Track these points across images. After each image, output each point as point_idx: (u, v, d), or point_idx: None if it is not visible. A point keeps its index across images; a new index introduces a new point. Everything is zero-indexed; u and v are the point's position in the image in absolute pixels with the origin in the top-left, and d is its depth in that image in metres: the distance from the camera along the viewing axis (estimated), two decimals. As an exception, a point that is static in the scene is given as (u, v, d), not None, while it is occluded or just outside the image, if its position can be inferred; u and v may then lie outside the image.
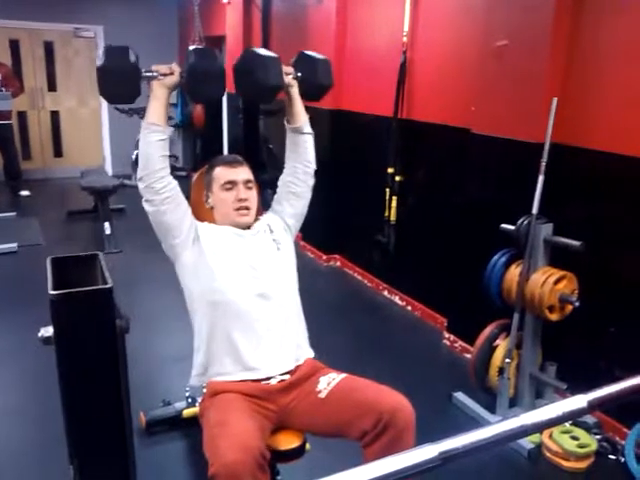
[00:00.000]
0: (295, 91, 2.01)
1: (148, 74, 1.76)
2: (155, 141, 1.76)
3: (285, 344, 1.85)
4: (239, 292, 1.82)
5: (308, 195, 2.09)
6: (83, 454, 1.62)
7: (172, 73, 1.78)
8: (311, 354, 1.94)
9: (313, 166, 2.08)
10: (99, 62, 1.68)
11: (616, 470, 2.38)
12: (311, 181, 2.09)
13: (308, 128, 2.08)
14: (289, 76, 1.98)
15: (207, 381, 1.82)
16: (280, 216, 2.06)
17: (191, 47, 1.87)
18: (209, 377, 1.82)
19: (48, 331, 1.53)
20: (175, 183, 1.81)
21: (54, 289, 1.51)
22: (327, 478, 0.61)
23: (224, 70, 1.83)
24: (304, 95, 2.05)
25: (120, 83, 1.72)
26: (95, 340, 1.57)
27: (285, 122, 2.07)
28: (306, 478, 1.98)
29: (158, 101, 1.79)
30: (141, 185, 1.77)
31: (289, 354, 1.85)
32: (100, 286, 1.60)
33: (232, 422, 1.58)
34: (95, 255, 1.79)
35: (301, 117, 2.05)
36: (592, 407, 0.81)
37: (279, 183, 2.11)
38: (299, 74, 2.02)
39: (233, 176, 1.93)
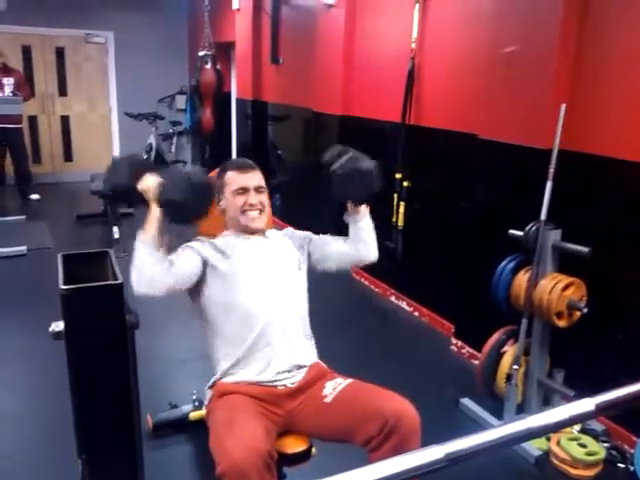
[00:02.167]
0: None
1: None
2: (151, 260, 1.72)
3: (294, 350, 1.86)
4: (255, 300, 1.83)
5: (347, 268, 2.13)
6: (92, 448, 1.62)
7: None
8: (317, 360, 1.95)
9: (371, 260, 2.07)
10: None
11: (624, 479, 2.36)
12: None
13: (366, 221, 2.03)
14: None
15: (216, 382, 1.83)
16: (311, 249, 2.05)
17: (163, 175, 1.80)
18: (219, 379, 1.84)
19: (59, 326, 1.54)
20: (177, 272, 1.77)
21: (65, 284, 1.52)
22: (335, 477, 0.62)
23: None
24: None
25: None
26: (105, 335, 1.58)
27: (345, 215, 2.05)
28: (312, 482, 1.98)
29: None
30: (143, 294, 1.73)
31: (297, 359, 1.86)
32: (110, 281, 1.61)
33: (239, 422, 1.58)
34: (105, 252, 1.80)
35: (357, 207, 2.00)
36: (600, 410, 0.81)
37: (338, 241, 2.06)
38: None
39: (245, 182, 1.93)
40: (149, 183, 1.77)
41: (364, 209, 2.02)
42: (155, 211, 1.75)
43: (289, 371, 1.82)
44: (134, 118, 7.68)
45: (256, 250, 1.92)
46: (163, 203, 1.74)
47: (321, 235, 2.10)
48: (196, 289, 1.87)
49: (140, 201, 1.79)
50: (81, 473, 1.64)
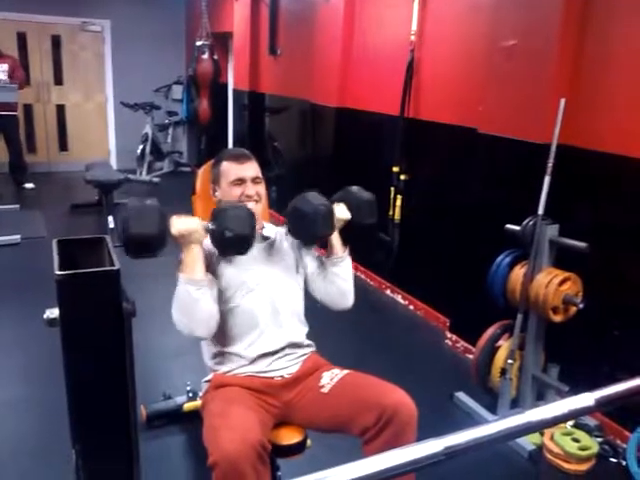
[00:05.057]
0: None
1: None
2: (206, 298, 1.70)
3: (291, 343, 1.85)
4: (253, 299, 1.82)
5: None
6: (86, 438, 1.60)
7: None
8: (314, 350, 1.94)
9: (343, 308, 2.03)
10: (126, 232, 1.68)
11: (617, 473, 2.37)
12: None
13: (340, 260, 1.99)
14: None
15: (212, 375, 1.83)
16: (304, 259, 2.02)
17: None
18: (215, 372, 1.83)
19: (53, 313, 1.51)
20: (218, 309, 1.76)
21: (60, 270, 1.49)
22: (333, 469, 0.61)
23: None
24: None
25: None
26: (101, 322, 1.55)
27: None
28: (307, 474, 1.97)
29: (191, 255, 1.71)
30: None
31: (294, 352, 1.86)
32: (107, 267, 1.58)
33: (234, 414, 1.58)
34: (102, 239, 1.77)
35: (333, 249, 1.97)
36: (599, 405, 0.81)
37: (317, 268, 2.00)
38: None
39: (242, 173, 1.89)
40: (190, 225, 1.69)
41: (342, 250, 1.97)
42: (196, 250, 1.71)
43: (284, 357, 1.82)
44: (130, 108, 7.63)
45: (253, 249, 1.89)
46: (226, 237, 1.68)
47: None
48: None
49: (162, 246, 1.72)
50: (75, 463, 1.63)
